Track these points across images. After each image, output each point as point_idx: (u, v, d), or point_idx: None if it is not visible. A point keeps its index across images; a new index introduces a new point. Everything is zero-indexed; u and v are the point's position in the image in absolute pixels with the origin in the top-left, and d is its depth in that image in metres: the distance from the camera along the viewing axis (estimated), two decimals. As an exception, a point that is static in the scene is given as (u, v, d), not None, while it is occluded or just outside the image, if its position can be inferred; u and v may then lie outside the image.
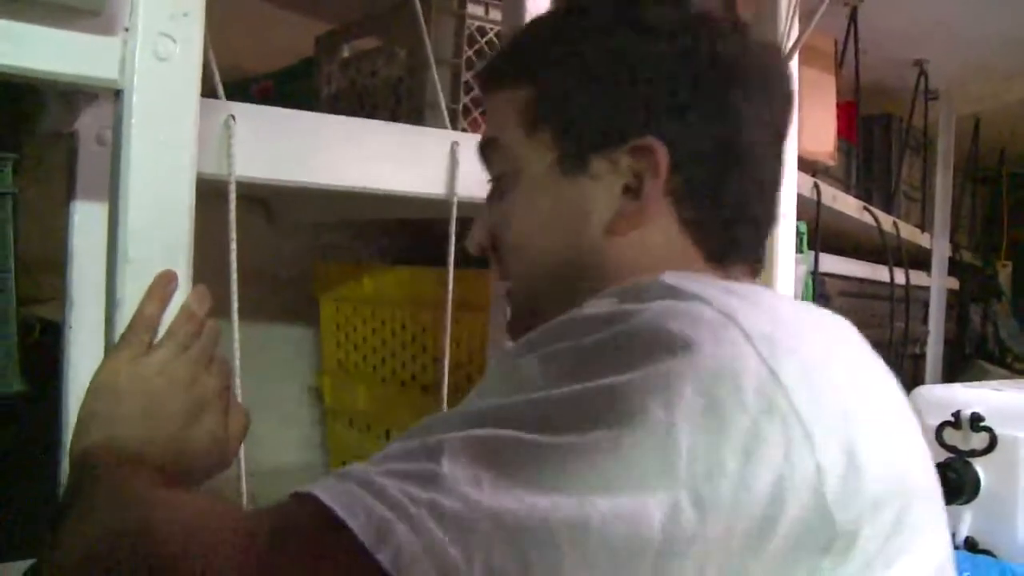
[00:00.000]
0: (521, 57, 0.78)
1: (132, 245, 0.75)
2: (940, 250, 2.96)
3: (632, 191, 0.71)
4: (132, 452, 0.68)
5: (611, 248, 0.71)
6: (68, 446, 0.71)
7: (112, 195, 0.77)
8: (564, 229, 0.73)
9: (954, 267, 3.15)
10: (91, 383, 0.72)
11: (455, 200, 1.17)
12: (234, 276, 0.99)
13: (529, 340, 0.58)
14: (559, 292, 0.72)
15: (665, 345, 0.51)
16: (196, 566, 0.48)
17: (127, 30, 0.74)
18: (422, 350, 1.58)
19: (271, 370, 1.86)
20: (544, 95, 0.74)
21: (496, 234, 0.78)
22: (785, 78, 0.77)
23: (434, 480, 0.47)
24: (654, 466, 0.48)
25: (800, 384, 0.52)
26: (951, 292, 3.13)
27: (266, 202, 1.86)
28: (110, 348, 0.76)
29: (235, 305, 0.99)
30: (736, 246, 0.73)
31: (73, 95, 0.79)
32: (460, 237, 1.18)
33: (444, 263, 1.24)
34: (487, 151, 0.79)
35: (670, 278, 0.59)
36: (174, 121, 0.77)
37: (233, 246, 0.98)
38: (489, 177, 0.80)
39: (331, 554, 0.46)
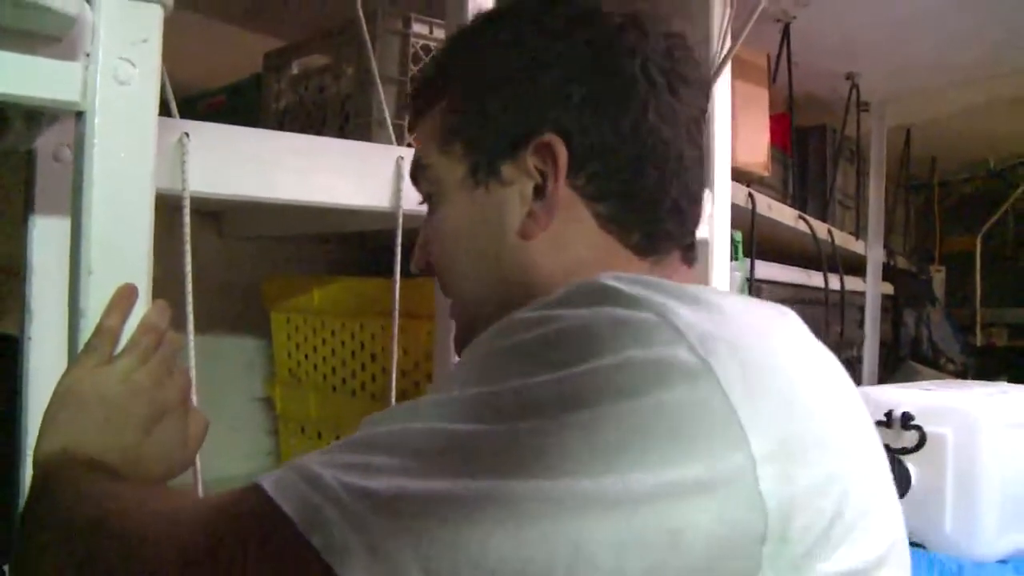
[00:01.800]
0: (433, 77, 0.80)
1: (94, 258, 0.79)
2: (874, 256, 3.05)
3: (540, 192, 0.71)
4: (93, 457, 0.71)
5: (530, 253, 0.72)
6: (28, 453, 0.74)
7: (74, 211, 0.80)
8: (484, 240, 0.74)
9: (889, 273, 3.24)
10: (55, 390, 0.74)
11: (400, 213, 1.21)
12: (188, 288, 1.02)
13: (474, 342, 0.60)
14: (494, 303, 0.73)
15: (595, 346, 0.52)
16: (148, 556, 0.53)
17: (88, 55, 0.78)
18: (371, 359, 1.62)
19: (223, 380, 1.90)
20: (452, 108, 0.75)
21: (430, 251, 0.80)
22: (692, 64, 0.76)
23: (367, 469, 0.50)
24: (576, 456, 0.48)
25: (734, 375, 0.51)
26: (886, 297, 3.22)
27: (218, 216, 1.89)
28: (73, 358, 0.80)
29: (190, 316, 1.02)
30: (661, 236, 0.73)
31: (37, 116, 0.82)
32: (405, 248, 1.23)
33: (390, 274, 1.27)
34: (416, 174, 0.81)
35: (606, 278, 0.58)
36: (133, 141, 0.81)
37: (188, 259, 1.02)
38: (421, 199, 0.83)
39: (270, 538, 0.49)
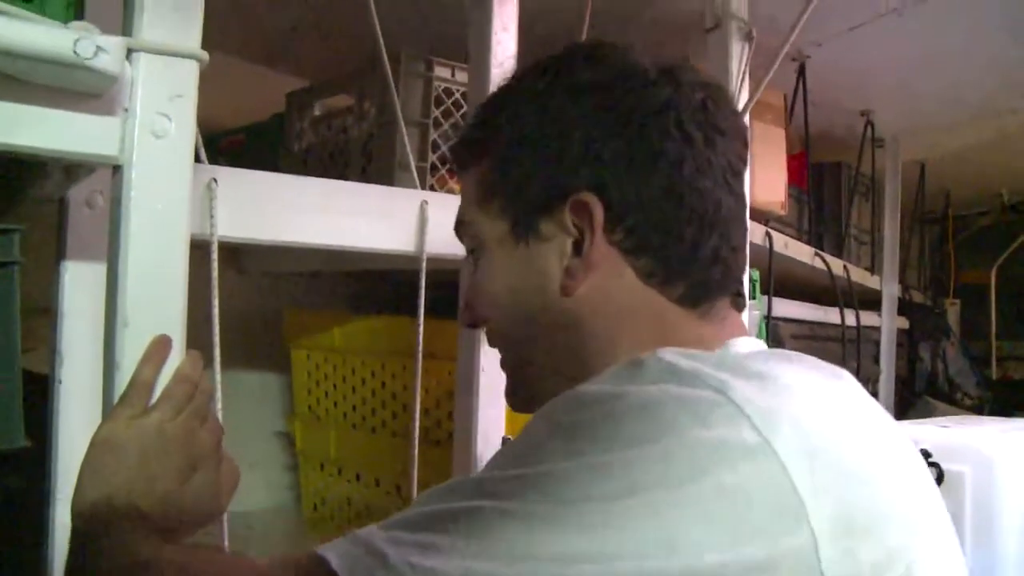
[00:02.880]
0: (474, 134, 0.80)
1: (130, 310, 0.80)
2: (889, 291, 3.05)
3: (579, 248, 0.71)
4: (132, 508, 0.72)
5: (572, 307, 0.72)
6: (58, 491, 0.76)
7: (111, 263, 0.82)
8: (528, 295, 0.74)
9: (904, 307, 3.23)
10: (92, 441, 0.75)
11: (424, 256, 1.22)
12: (216, 330, 1.03)
13: (537, 415, 0.60)
14: (541, 356, 0.75)
15: (658, 426, 0.53)
16: None
17: (126, 110, 0.80)
18: (392, 397, 1.63)
19: (243, 415, 1.90)
20: (492, 167, 0.76)
21: (475, 307, 0.79)
22: (728, 114, 0.75)
23: (432, 548, 0.51)
24: (642, 538, 0.49)
25: (796, 453, 0.52)
26: (901, 332, 3.21)
27: (236, 253, 1.91)
28: (108, 408, 0.81)
29: (217, 358, 1.03)
30: (706, 286, 0.72)
31: (75, 168, 0.84)
32: (428, 290, 1.24)
33: (409, 312, 1.29)
34: (459, 230, 0.81)
35: (665, 354, 0.59)
36: (169, 193, 0.82)
37: (215, 302, 1.03)
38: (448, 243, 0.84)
39: None
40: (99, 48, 0.72)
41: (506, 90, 0.79)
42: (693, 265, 0.71)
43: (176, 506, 0.76)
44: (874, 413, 0.63)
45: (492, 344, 0.80)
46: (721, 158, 0.73)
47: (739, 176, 0.76)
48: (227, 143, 1.89)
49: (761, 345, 0.73)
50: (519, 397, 0.79)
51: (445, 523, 0.53)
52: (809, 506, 0.51)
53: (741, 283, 0.78)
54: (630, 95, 0.71)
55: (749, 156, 0.80)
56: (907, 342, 3.35)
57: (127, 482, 0.73)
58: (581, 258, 0.71)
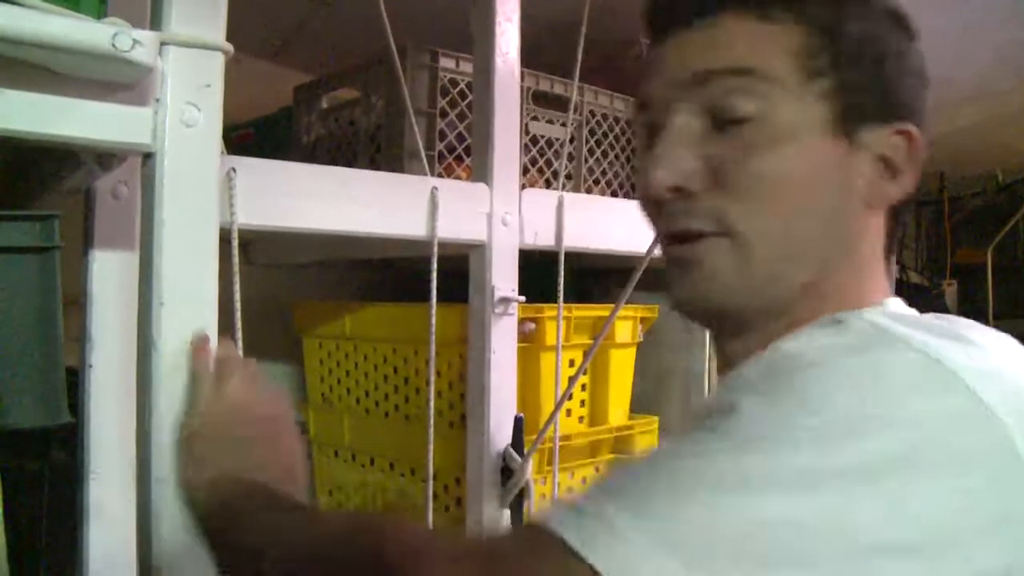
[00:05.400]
0: None
1: (166, 292, 0.84)
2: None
3: (890, 170, 0.70)
4: (251, 479, 0.80)
5: (864, 221, 0.71)
6: (87, 475, 0.88)
7: (145, 247, 0.86)
8: (831, 188, 0.69)
9: (901, 288, 3.27)
10: (180, 440, 0.85)
11: (435, 242, 1.26)
12: (238, 316, 1.07)
13: (739, 384, 0.60)
14: (805, 250, 0.69)
15: (882, 400, 0.53)
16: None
17: (158, 100, 0.84)
18: (404, 382, 1.66)
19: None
20: (827, 48, 0.69)
21: (724, 168, 0.68)
22: None
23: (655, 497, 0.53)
24: (875, 510, 0.50)
25: (1013, 415, 0.54)
26: (899, 312, 3.25)
27: (246, 244, 1.94)
28: (144, 383, 0.86)
29: (239, 344, 1.07)
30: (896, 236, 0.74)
31: (108, 156, 0.88)
32: (439, 275, 1.28)
33: (416, 299, 1.33)
34: (733, 79, 0.68)
35: (875, 316, 0.61)
36: (199, 179, 0.87)
37: (236, 288, 1.07)
38: (700, 105, 0.70)
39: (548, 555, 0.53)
40: (135, 41, 0.76)
41: None
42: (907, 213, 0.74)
43: (287, 469, 0.84)
44: None
45: (698, 215, 0.69)
46: None
47: None
48: (238, 137, 1.92)
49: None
50: (761, 278, 0.69)
51: (657, 477, 0.54)
52: None
53: None
54: (919, 50, 0.74)
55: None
56: (904, 323, 3.38)
57: (231, 459, 0.82)
58: (896, 183, 0.71)
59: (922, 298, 3.54)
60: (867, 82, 0.69)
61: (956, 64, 2.36)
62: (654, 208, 0.72)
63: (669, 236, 0.71)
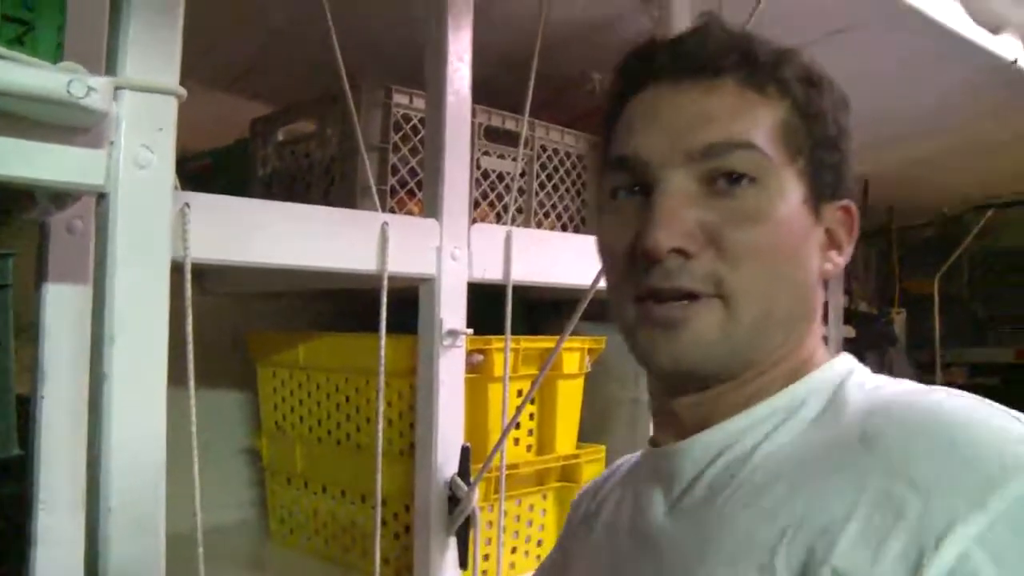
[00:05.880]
0: (782, 74, 0.76)
1: (117, 327, 0.87)
2: (835, 301, 3.16)
3: (835, 244, 0.79)
4: None
5: (818, 288, 0.78)
6: (36, 505, 0.84)
7: (97, 283, 0.88)
8: (803, 259, 0.75)
9: (850, 317, 3.34)
10: None
11: (386, 275, 1.29)
12: (190, 348, 1.09)
13: None
14: (782, 315, 0.74)
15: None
16: None
17: (112, 143, 0.87)
18: (355, 411, 1.69)
19: (209, 432, 1.93)
20: (803, 126, 0.75)
21: (720, 234, 0.72)
22: None
23: None
24: None
25: None
26: (848, 341, 3.33)
27: (200, 274, 1.95)
28: (95, 418, 0.87)
29: (191, 375, 1.09)
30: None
31: (62, 196, 0.90)
32: (389, 309, 1.31)
33: (368, 330, 1.35)
34: (736, 151, 0.73)
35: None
36: (151, 219, 0.89)
37: (189, 320, 1.08)
38: (698, 169, 0.73)
39: None
40: (90, 88, 0.79)
41: (805, 58, 0.79)
42: None
43: None
44: None
45: (696, 273, 0.72)
46: None
47: None
48: (195, 167, 1.94)
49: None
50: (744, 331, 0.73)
51: None
52: None
53: None
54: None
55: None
56: (853, 351, 3.44)
57: None
58: (841, 257, 0.79)
59: (870, 326, 3.61)
60: (831, 161, 0.76)
61: (900, 103, 2.43)
62: (628, 263, 0.74)
63: (653, 293, 0.72)
